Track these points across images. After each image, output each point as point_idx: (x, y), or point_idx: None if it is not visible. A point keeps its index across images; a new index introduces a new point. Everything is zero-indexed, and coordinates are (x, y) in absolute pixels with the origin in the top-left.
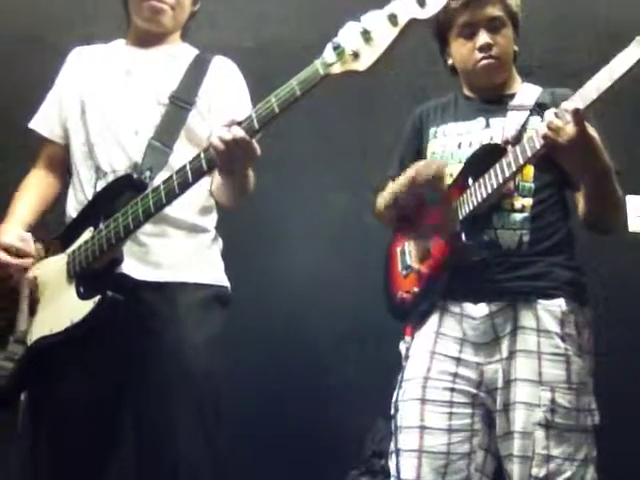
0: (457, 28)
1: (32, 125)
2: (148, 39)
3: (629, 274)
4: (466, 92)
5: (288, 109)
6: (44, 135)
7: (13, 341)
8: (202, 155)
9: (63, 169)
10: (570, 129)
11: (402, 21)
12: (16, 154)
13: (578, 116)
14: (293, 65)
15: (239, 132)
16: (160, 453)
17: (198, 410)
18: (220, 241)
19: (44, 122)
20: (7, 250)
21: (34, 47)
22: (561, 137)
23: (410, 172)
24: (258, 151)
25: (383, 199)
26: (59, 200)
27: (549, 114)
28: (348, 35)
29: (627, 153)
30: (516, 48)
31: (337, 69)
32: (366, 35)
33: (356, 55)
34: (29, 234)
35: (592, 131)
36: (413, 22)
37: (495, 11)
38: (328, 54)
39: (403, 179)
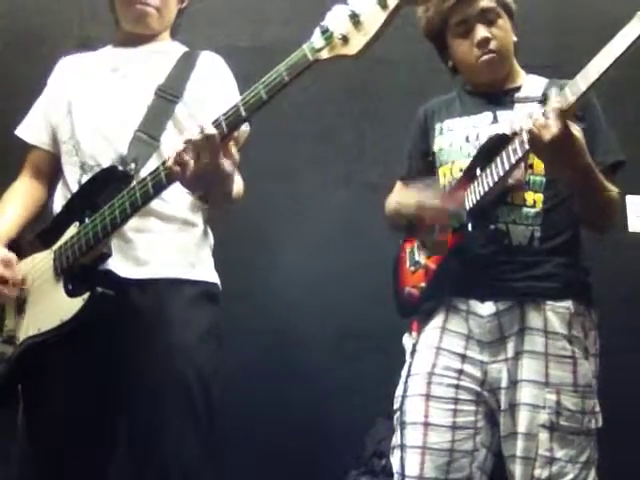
0: (452, 27)
1: (18, 132)
2: (136, 39)
3: (629, 274)
4: (469, 87)
5: (276, 95)
6: (30, 142)
7: (1, 341)
8: None
9: (49, 177)
10: (554, 128)
11: (391, 3)
12: (18, 157)
13: (561, 116)
14: None
15: (210, 130)
16: (151, 455)
17: (189, 410)
18: (210, 236)
19: (30, 129)
20: None
21: (31, 48)
22: (545, 135)
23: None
24: (236, 157)
25: (391, 208)
26: (45, 209)
27: (536, 113)
28: (336, 19)
29: (627, 153)
30: (515, 38)
31: (326, 54)
32: (355, 18)
33: (345, 39)
34: (14, 256)
35: (576, 131)
36: (403, 4)
37: (487, 3)
38: (316, 38)
39: (407, 205)
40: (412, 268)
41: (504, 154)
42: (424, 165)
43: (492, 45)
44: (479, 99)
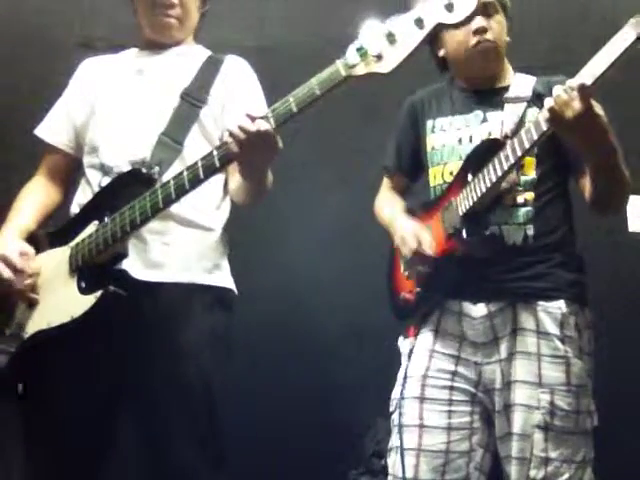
0: None
1: (38, 132)
2: (160, 44)
3: (629, 274)
4: (460, 83)
5: (306, 109)
6: (48, 142)
7: (9, 334)
8: (215, 152)
9: (66, 178)
10: (576, 104)
11: (429, 24)
12: (18, 156)
13: (584, 91)
14: (295, 65)
15: (264, 125)
16: (153, 456)
17: (193, 414)
18: (227, 242)
19: (50, 129)
20: (7, 263)
21: (33, 48)
22: (567, 112)
23: (397, 237)
24: (280, 145)
25: (376, 210)
26: (61, 209)
27: (557, 89)
28: (371, 37)
29: (626, 153)
30: (508, 39)
31: (360, 71)
32: (391, 37)
33: (379, 57)
34: (32, 249)
35: (598, 109)
36: (440, 26)
37: None
38: (351, 55)
39: (382, 220)
40: (406, 273)
41: (496, 160)
42: (414, 161)
43: (489, 35)
44: (470, 97)
